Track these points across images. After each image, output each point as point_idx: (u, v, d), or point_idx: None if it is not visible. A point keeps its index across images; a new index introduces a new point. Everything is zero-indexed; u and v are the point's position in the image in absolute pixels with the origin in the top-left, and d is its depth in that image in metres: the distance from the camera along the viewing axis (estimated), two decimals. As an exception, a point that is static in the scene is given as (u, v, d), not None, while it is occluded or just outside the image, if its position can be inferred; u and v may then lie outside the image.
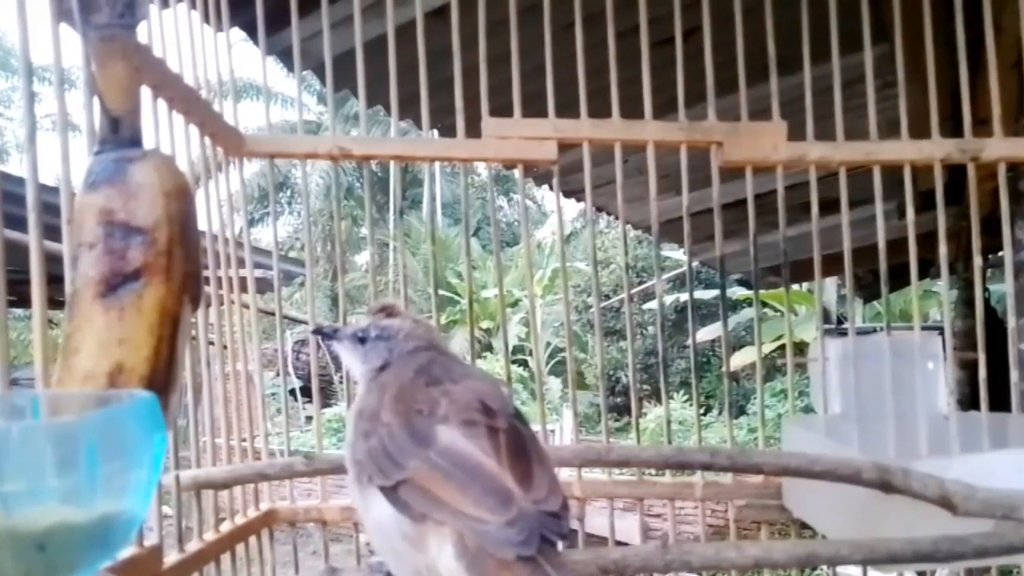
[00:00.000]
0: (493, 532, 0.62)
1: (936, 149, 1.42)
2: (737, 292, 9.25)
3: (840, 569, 1.37)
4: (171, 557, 1.05)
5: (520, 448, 0.69)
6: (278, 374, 1.67)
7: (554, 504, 0.65)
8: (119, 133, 0.71)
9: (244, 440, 1.36)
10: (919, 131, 1.45)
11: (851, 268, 1.44)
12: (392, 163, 1.47)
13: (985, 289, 1.53)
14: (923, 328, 1.47)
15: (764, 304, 9.27)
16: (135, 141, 0.72)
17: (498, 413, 0.71)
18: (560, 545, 0.65)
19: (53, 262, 0.82)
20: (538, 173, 2.58)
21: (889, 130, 1.45)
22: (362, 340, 0.85)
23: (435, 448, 0.68)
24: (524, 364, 11.91)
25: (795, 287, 8.43)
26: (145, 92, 1.00)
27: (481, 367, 1.04)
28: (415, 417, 0.71)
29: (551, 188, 2.03)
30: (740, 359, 8.55)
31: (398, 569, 0.72)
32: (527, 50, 1.42)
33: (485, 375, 0.84)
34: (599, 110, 1.42)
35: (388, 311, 0.87)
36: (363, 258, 17.71)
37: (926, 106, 1.45)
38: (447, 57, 1.40)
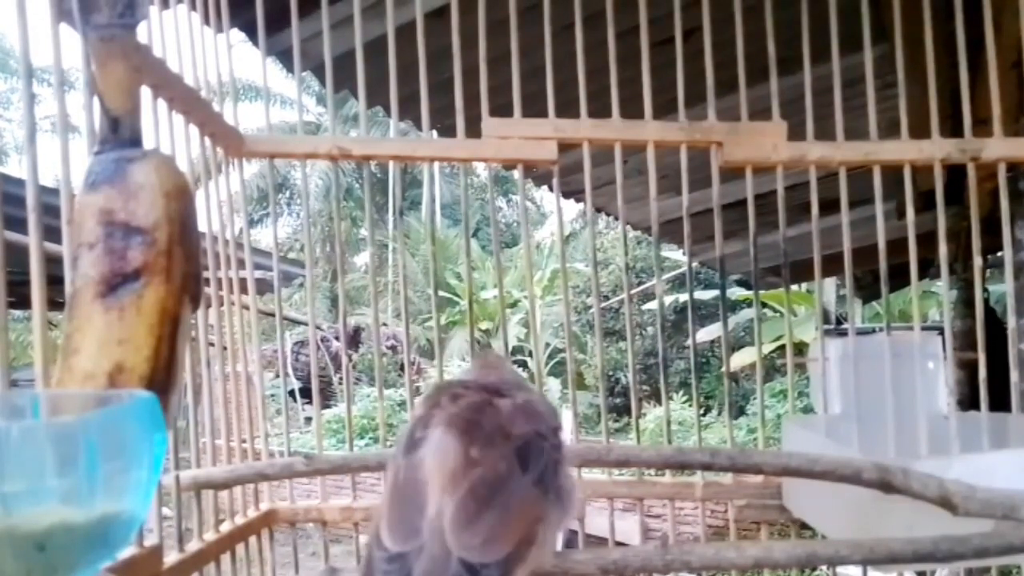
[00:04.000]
0: (376, 563, 0.60)
1: (936, 149, 1.42)
2: (737, 292, 9.25)
3: (840, 569, 1.37)
4: (171, 557, 1.05)
5: (488, 490, 0.63)
6: (278, 375, 1.67)
7: (485, 555, 0.60)
8: (119, 133, 0.71)
9: (244, 441, 1.36)
10: (919, 131, 1.45)
11: (851, 268, 1.44)
12: (392, 163, 1.47)
13: (985, 289, 1.53)
14: (923, 328, 1.47)
15: (764, 304, 9.27)
16: (135, 141, 0.72)
17: (495, 445, 0.66)
18: None
19: (53, 263, 0.82)
20: (538, 173, 2.58)
21: (889, 130, 1.45)
22: None
23: (410, 458, 0.66)
24: (524, 365, 11.91)
25: (795, 287, 8.44)
26: (145, 92, 1.00)
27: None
28: (419, 423, 0.69)
29: (551, 188, 2.03)
30: (740, 359, 8.55)
31: None
32: (527, 50, 1.42)
33: (535, 398, 0.75)
34: (599, 110, 1.42)
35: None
36: (363, 259, 17.73)
37: (926, 106, 1.45)
38: (447, 57, 1.40)
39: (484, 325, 12.85)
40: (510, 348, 1.66)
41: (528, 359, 11.89)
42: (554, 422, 0.73)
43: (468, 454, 0.65)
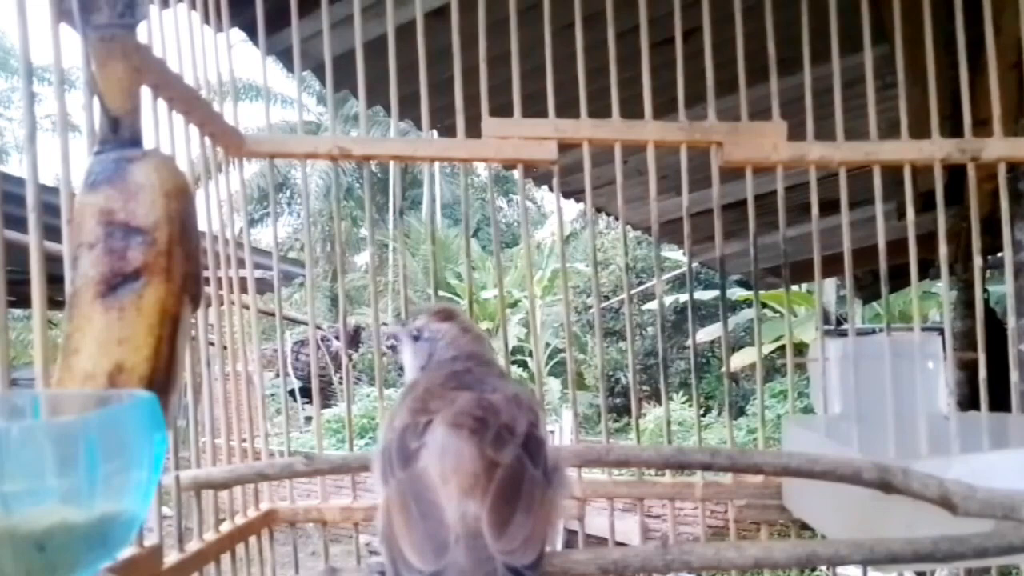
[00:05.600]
0: None
1: (936, 149, 1.42)
2: (737, 293, 9.25)
3: (840, 569, 1.37)
4: (171, 557, 1.05)
5: (513, 489, 0.65)
6: (278, 374, 1.67)
7: (524, 558, 0.62)
8: (119, 133, 0.71)
9: (244, 440, 1.36)
10: (919, 131, 1.45)
11: (851, 269, 1.44)
12: (392, 163, 1.47)
13: (985, 290, 1.53)
14: (923, 328, 1.47)
15: (764, 305, 9.27)
16: (135, 141, 0.71)
17: (506, 442, 0.67)
18: None
19: (53, 262, 0.82)
20: (538, 173, 2.58)
21: (889, 130, 1.45)
22: (415, 338, 0.87)
23: (411, 470, 0.66)
24: (524, 365, 11.90)
25: (795, 288, 8.44)
26: (145, 92, 1.00)
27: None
28: (410, 431, 0.69)
29: (551, 188, 2.03)
30: (740, 360, 8.55)
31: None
32: (527, 50, 1.42)
33: (519, 389, 0.78)
34: (599, 110, 1.42)
35: (444, 315, 0.88)
36: (363, 259, 17.72)
37: (926, 106, 1.45)
38: (447, 57, 1.40)
39: (484, 325, 12.81)
40: (510, 348, 1.66)
41: (528, 359, 11.89)
42: (538, 410, 0.76)
43: (485, 454, 0.66)
